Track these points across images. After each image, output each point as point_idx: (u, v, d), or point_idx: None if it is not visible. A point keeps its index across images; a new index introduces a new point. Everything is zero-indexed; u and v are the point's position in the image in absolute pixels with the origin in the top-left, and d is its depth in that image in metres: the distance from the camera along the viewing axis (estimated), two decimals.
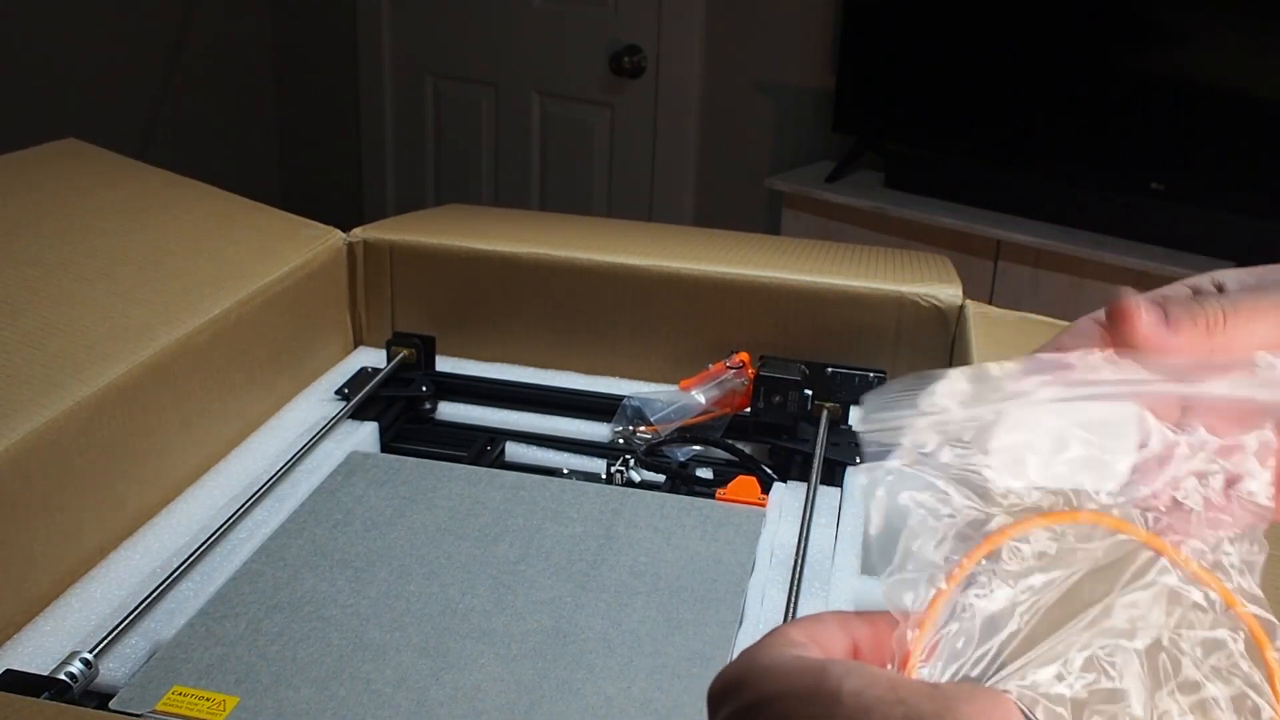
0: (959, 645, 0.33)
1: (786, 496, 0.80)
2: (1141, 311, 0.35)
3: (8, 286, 0.79)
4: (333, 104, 2.95)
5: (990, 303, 0.94)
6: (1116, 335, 0.35)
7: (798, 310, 0.95)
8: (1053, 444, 0.34)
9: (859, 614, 0.35)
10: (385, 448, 0.90)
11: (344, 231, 1.02)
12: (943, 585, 0.34)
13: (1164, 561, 0.34)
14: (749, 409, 0.90)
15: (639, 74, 2.45)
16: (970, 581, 0.33)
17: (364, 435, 0.87)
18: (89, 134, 1.13)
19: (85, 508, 0.71)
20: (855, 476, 0.82)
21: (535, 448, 0.90)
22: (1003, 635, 0.33)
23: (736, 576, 0.70)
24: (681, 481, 0.85)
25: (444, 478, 0.80)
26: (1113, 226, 1.92)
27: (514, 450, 0.90)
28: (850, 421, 0.91)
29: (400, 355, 0.96)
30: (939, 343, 0.94)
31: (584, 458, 0.89)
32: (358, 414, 0.89)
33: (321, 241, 0.98)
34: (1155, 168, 1.89)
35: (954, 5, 2.04)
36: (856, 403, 0.93)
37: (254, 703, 0.59)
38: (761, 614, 0.68)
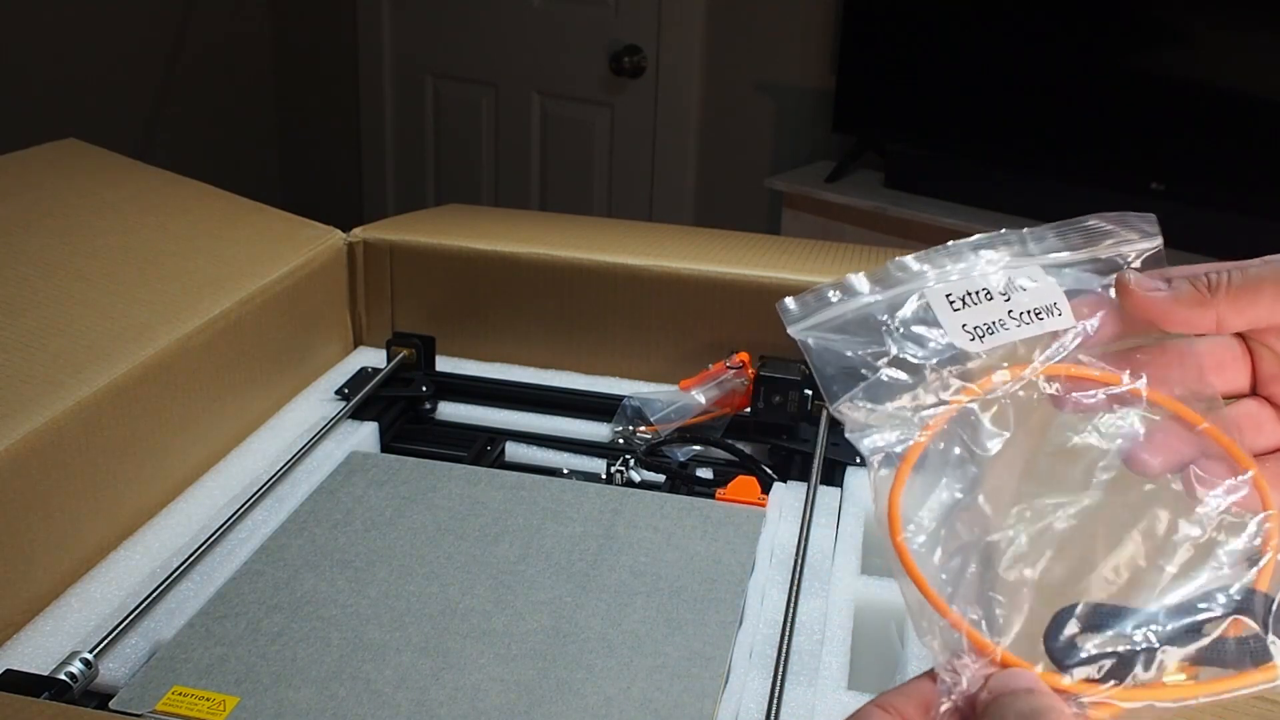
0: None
1: (786, 496, 0.80)
2: (1136, 279, 0.36)
3: (8, 286, 0.79)
4: (333, 104, 2.95)
5: None
6: (1124, 307, 0.37)
7: None
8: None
9: (895, 692, 0.34)
10: (385, 448, 0.90)
11: (344, 231, 1.02)
12: (919, 437, 0.35)
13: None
14: (749, 409, 0.90)
15: (639, 74, 2.45)
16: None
17: (364, 435, 0.87)
18: (89, 134, 1.13)
19: (85, 508, 0.71)
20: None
21: (535, 448, 0.90)
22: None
23: (736, 576, 0.70)
24: (681, 481, 0.85)
25: (444, 478, 0.80)
26: None
27: (514, 450, 0.90)
28: None
29: (400, 355, 0.96)
30: None
31: (584, 458, 0.89)
32: (358, 414, 0.90)
33: (321, 241, 0.98)
34: (1155, 168, 1.89)
35: (954, 5, 2.04)
36: None
37: (254, 703, 0.59)
38: (761, 614, 0.68)
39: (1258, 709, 0.58)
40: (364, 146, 2.94)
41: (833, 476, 0.84)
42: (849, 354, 0.37)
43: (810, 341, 0.38)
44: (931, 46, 2.07)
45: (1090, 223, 0.40)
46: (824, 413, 0.89)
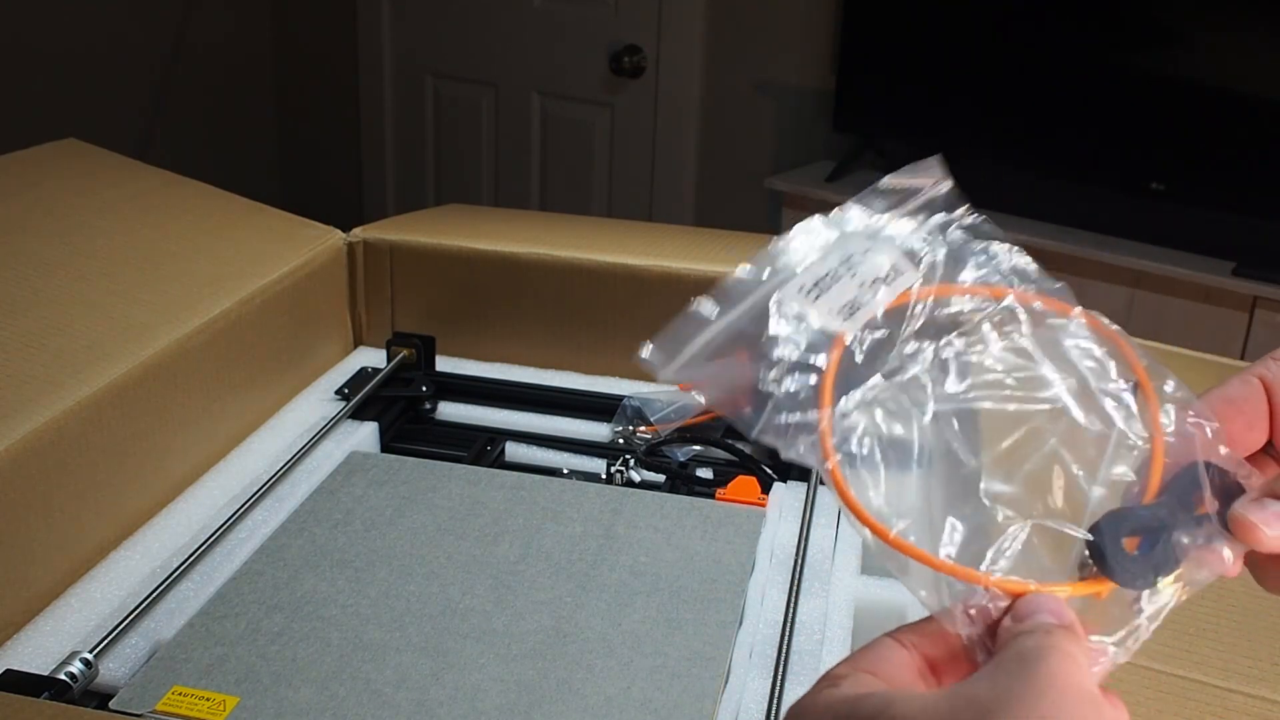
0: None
1: (786, 496, 0.80)
2: (1263, 529, 0.35)
3: (8, 286, 0.79)
4: (333, 104, 2.95)
5: None
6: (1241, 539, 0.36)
7: None
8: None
9: (911, 626, 0.34)
10: (385, 448, 0.90)
11: (344, 231, 1.02)
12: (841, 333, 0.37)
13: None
14: None
15: (639, 74, 2.45)
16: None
17: (364, 435, 0.87)
18: (89, 134, 1.13)
19: (85, 508, 0.71)
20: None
21: (535, 448, 0.90)
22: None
23: (736, 576, 0.70)
24: (681, 481, 0.85)
25: (444, 478, 0.80)
26: (1113, 226, 1.92)
27: (514, 450, 0.90)
28: None
29: (400, 355, 0.96)
30: None
31: (584, 458, 0.89)
32: (358, 414, 0.89)
33: (321, 241, 0.98)
34: (1155, 168, 1.89)
35: (954, 5, 2.04)
36: None
37: (254, 703, 0.59)
38: (761, 614, 0.68)
39: (1258, 709, 0.58)
40: (364, 146, 2.94)
41: None
42: (740, 379, 0.37)
43: (691, 378, 0.38)
44: (931, 46, 2.07)
45: (883, 184, 0.41)
46: None
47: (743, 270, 0.39)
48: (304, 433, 0.88)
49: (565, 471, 0.86)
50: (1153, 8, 1.89)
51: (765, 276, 0.39)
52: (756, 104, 2.40)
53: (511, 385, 0.97)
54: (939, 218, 0.41)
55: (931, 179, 0.41)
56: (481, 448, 0.89)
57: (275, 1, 2.94)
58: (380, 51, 2.81)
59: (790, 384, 0.37)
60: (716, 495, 0.80)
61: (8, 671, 0.60)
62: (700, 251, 0.98)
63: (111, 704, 0.58)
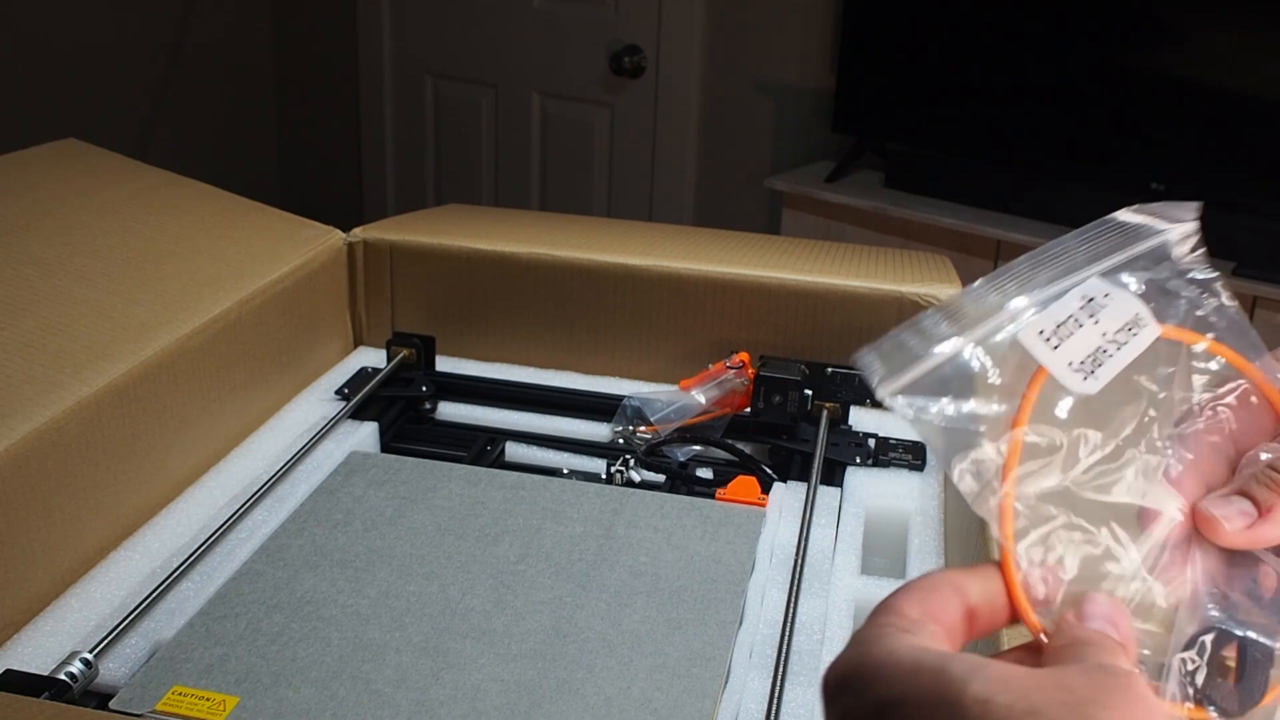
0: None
1: (786, 496, 0.80)
2: (1223, 524, 0.35)
3: (8, 286, 0.79)
4: (333, 104, 2.95)
5: None
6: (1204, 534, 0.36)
7: (798, 310, 0.95)
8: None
9: (967, 570, 0.34)
10: (385, 448, 0.90)
11: (344, 231, 1.02)
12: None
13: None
14: (749, 409, 0.90)
15: (639, 74, 2.45)
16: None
17: (364, 435, 0.87)
18: (89, 134, 1.13)
19: (85, 508, 0.71)
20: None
21: (535, 448, 0.90)
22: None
23: (736, 576, 0.70)
24: (681, 481, 0.85)
25: (444, 478, 0.80)
26: None
27: (514, 450, 0.90)
28: (850, 422, 0.91)
29: (400, 355, 0.96)
30: None
31: (584, 458, 0.89)
32: (358, 414, 0.90)
33: (321, 241, 0.98)
34: (1155, 168, 1.89)
35: (954, 5, 2.04)
36: (857, 402, 0.93)
37: (254, 703, 0.59)
38: (761, 614, 0.68)
39: None
40: (364, 146, 2.94)
41: (833, 476, 0.84)
42: (964, 427, 0.35)
43: (911, 412, 0.36)
44: (931, 47, 2.07)
45: (1121, 219, 0.38)
46: (824, 413, 0.89)
47: (979, 288, 0.37)
48: (304, 433, 0.88)
49: (565, 471, 0.86)
50: (1153, 8, 1.89)
51: (1006, 301, 0.36)
52: (756, 104, 2.40)
53: (511, 385, 0.97)
54: (1169, 265, 0.38)
55: (1177, 221, 0.38)
56: (481, 448, 0.89)
57: (275, 1, 2.94)
58: (380, 51, 2.81)
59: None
60: (716, 495, 0.80)
61: (8, 671, 0.60)
62: (700, 251, 0.98)
63: (111, 704, 0.58)
